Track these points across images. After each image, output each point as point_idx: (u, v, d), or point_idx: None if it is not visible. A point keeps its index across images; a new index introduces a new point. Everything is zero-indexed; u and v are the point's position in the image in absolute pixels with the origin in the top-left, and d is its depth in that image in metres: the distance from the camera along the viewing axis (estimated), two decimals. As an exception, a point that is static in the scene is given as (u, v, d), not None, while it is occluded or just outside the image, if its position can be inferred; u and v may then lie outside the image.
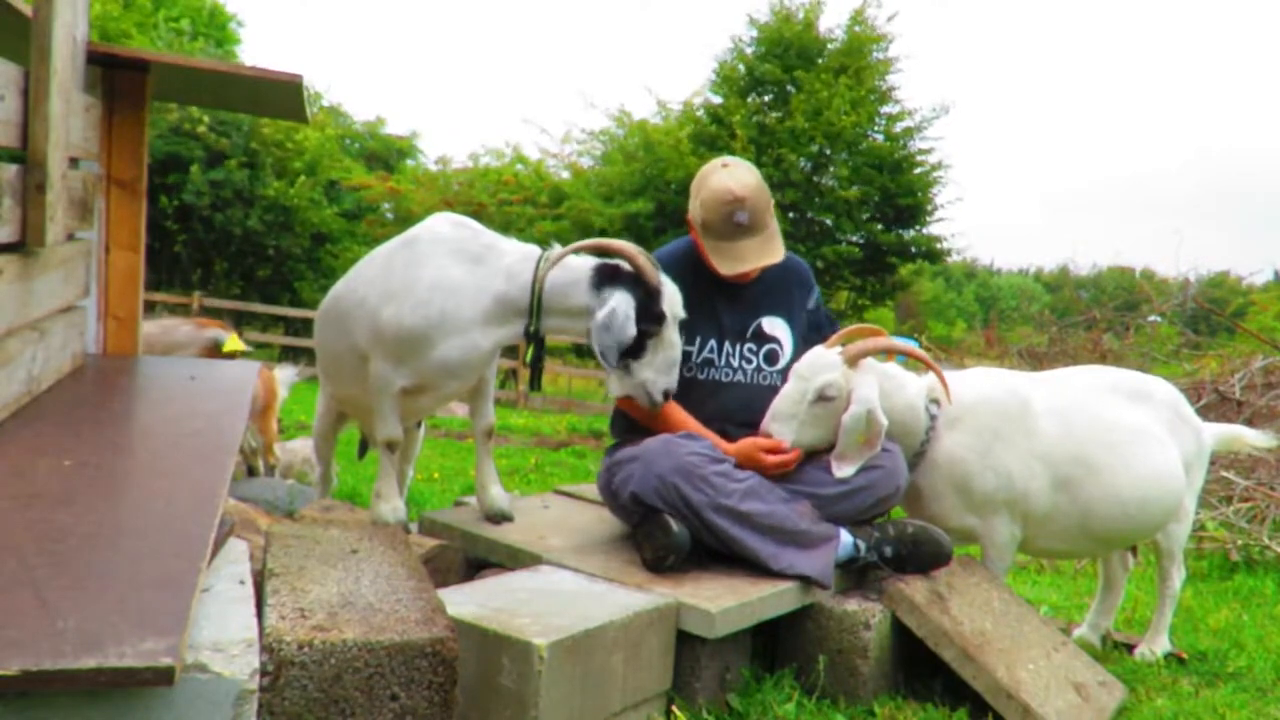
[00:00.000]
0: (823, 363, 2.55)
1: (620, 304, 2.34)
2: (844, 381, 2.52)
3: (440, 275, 2.49)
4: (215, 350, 4.41)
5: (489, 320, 2.50)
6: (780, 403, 2.55)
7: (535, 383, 2.66)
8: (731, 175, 2.54)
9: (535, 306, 2.44)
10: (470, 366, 2.57)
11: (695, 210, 2.58)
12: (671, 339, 2.43)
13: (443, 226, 2.60)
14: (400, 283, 2.51)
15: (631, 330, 2.33)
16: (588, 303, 2.40)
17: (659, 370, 2.43)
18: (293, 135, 15.60)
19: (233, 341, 4.52)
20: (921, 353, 2.59)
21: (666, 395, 2.46)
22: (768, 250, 2.56)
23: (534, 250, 2.51)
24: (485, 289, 2.48)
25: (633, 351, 2.40)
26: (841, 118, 14.43)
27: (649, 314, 2.37)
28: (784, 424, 2.53)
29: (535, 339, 2.48)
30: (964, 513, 2.76)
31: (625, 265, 2.40)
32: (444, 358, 2.51)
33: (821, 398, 2.52)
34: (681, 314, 2.45)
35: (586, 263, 2.45)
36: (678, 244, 2.77)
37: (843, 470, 2.50)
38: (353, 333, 2.68)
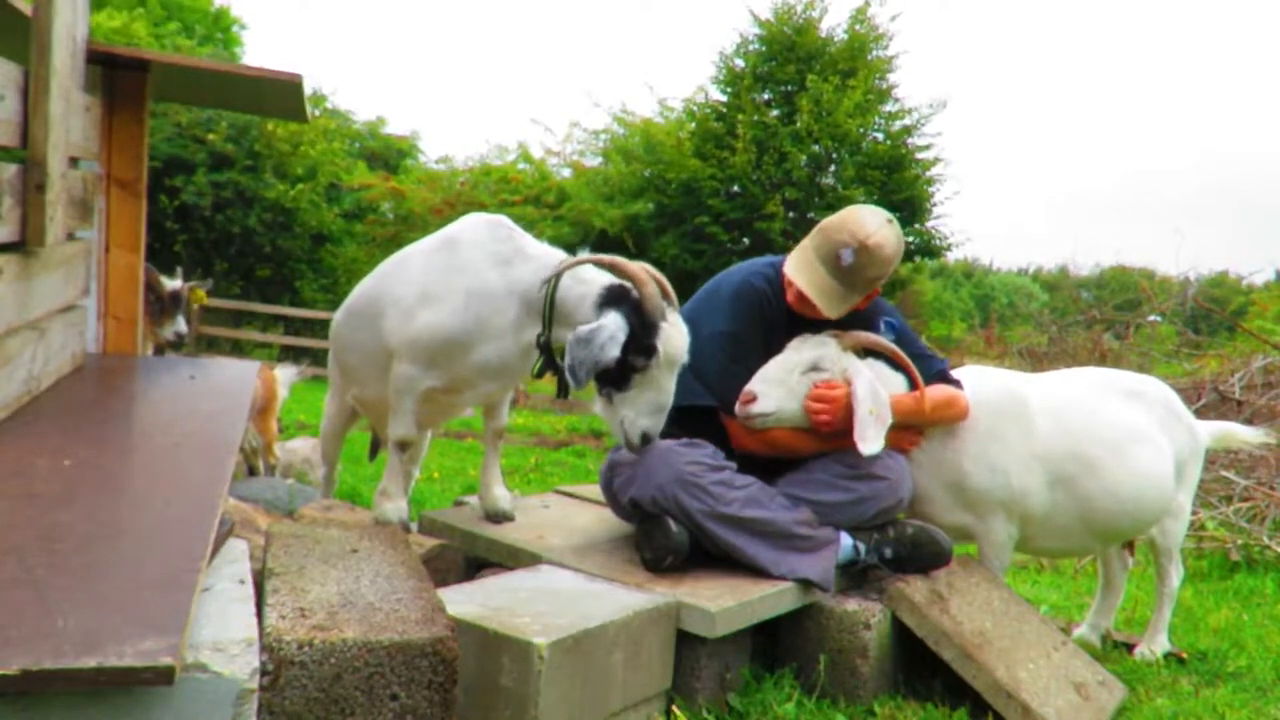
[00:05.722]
0: (819, 339, 2.56)
1: (610, 324, 2.21)
2: (837, 359, 2.53)
3: (477, 281, 2.46)
4: (162, 290, 4.20)
5: (519, 325, 2.46)
6: (770, 367, 2.53)
7: (562, 391, 2.52)
8: (877, 227, 2.47)
9: (548, 316, 2.37)
10: (508, 368, 2.54)
11: (824, 221, 2.54)
12: (662, 383, 2.27)
13: (480, 229, 2.55)
14: (440, 287, 2.49)
15: (613, 353, 2.18)
16: (589, 320, 2.27)
17: (641, 411, 2.28)
18: (300, 145, 15.52)
19: (196, 295, 4.43)
20: (900, 353, 2.59)
21: (646, 439, 2.29)
22: (833, 302, 2.49)
23: (558, 256, 2.46)
24: (514, 294, 2.45)
25: (616, 382, 2.28)
26: (847, 120, 14.44)
27: (639, 346, 2.22)
28: (770, 386, 2.50)
29: (545, 348, 2.40)
30: (958, 510, 2.77)
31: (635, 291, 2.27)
32: (482, 360, 2.49)
33: (814, 368, 2.51)
34: (683, 359, 2.28)
35: (601, 278, 2.34)
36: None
37: (868, 447, 2.43)
38: (384, 332, 2.64)
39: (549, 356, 2.42)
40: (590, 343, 2.18)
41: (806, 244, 2.54)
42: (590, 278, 2.35)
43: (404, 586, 1.76)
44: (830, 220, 2.54)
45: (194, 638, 1.29)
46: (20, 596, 1.07)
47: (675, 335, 2.26)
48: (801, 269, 2.51)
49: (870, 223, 2.49)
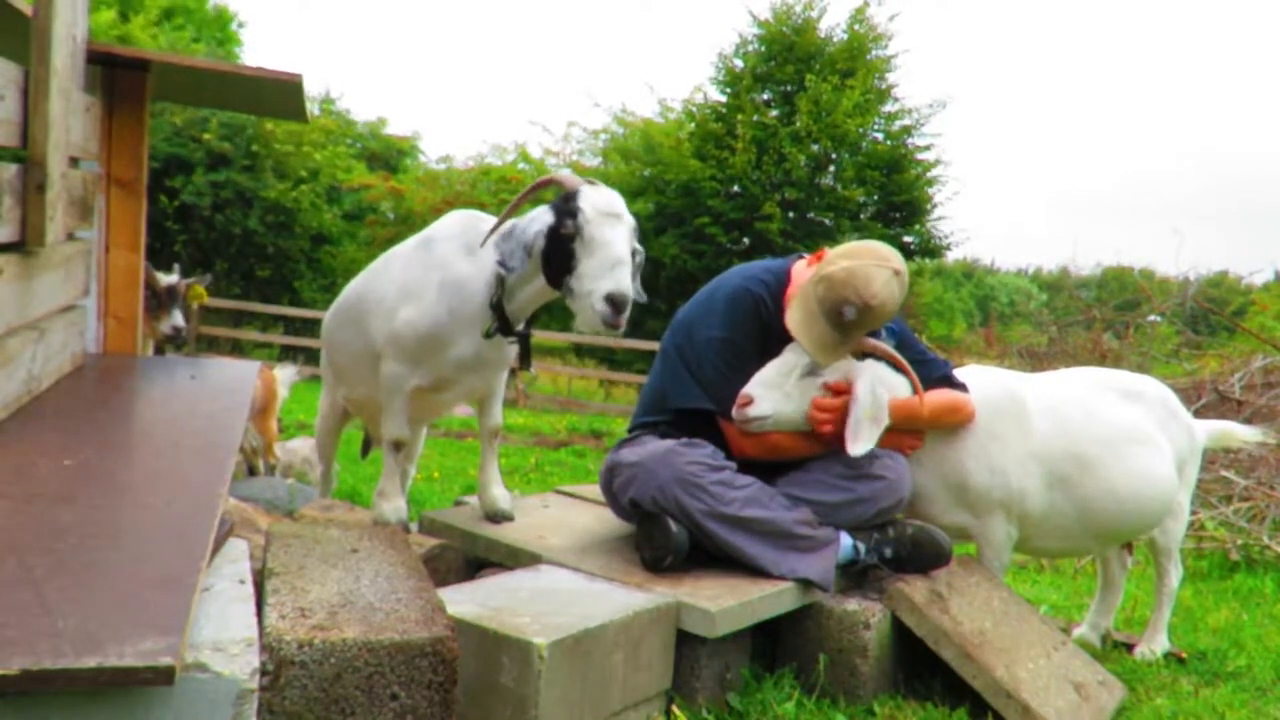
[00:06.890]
0: None
1: (530, 214, 2.28)
2: (838, 362, 2.52)
3: (448, 274, 2.49)
4: (157, 285, 4.18)
5: (488, 312, 2.47)
6: (767, 371, 2.52)
7: (524, 361, 2.58)
8: (884, 284, 2.41)
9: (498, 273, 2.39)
10: (484, 360, 2.55)
11: (831, 268, 2.46)
12: (603, 238, 2.21)
13: (455, 224, 2.59)
14: (418, 284, 2.52)
15: (536, 229, 2.25)
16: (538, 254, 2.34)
17: (597, 275, 2.19)
18: (302, 145, 15.50)
19: (196, 292, 4.40)
20: (899, 357, 2.59)
21: (616, 303, 2.18)
22: (831, 353, 2.47)
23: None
24: (483, 280, 2.47)
25: (564, 265, 2.25)
26: (846, 120, 14.44)
27: (564, 212, 2.24)
28: (767, 390, 2.49)
29: (498, 308, 2.43)
30: (957, 510, 2.77)
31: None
32: (459, 355, 2.51)
33: (811, 372, 2.50)
34: (614, 210, 2.25)
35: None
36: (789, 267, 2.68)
37: (857, 448, 2.42)
38: (370, 332, 2.67)
39: (500, 315, 2.44)
40: (512, 234, 2.29)
41: (810, 292, 2.47)
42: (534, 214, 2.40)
43: (404, 586, 1.76)
44: (837, 271, 2.44)
45: (194, 638, 1.29)
46: (20, 596, 1.07)
47: (595, 193, 2.28)
48: (804, 325, 2.47)
49: (876, 280, 2.40)
